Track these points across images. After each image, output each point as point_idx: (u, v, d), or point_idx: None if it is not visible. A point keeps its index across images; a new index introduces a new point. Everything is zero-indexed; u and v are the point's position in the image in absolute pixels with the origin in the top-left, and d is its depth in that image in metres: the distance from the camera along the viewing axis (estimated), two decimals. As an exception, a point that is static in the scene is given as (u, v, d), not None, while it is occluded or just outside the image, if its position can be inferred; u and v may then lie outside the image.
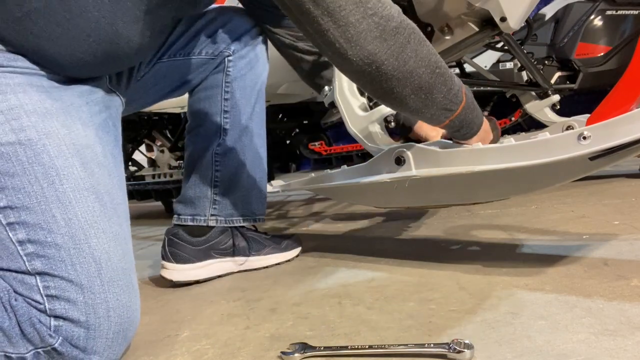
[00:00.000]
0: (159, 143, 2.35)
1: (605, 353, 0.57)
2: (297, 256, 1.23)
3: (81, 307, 0.66)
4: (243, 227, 1.18)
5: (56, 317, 0.66)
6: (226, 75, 1.10)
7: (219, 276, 1.15)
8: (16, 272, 0.67)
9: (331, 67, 1.14)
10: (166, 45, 1.04)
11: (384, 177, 0.93)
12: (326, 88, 1.13)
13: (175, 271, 1.11)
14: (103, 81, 0.85)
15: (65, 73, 0.77)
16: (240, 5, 1.16)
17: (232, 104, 1.11)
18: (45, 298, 0.66)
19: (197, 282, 1.12)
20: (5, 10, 0.70)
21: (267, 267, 1.18)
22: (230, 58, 1.10)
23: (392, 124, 0.98)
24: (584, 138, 0.72)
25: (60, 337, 0.65)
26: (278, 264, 1.19)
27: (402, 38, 0.69)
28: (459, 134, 0.85)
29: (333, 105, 1.07)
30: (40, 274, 0.66)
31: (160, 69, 1.04)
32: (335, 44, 0.67)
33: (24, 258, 0.66)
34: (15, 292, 0.67)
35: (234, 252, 1.15)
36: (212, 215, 1.13)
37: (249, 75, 1.12)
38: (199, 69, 1.09)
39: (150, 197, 2.41)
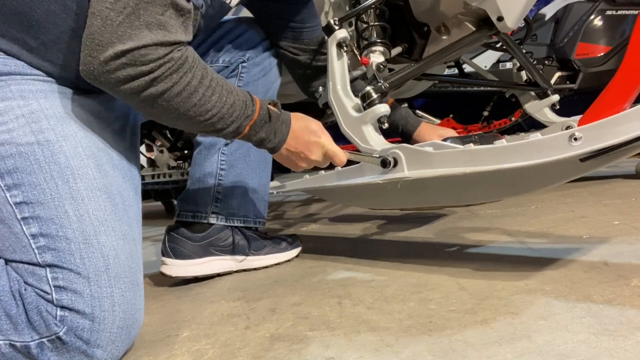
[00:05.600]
0: (158, 143, 2.34)
1: (605, 353, 0.57)
2: (296, 256, 1.23)
3: (87, 299, 0.68)
4: (243, 226, 1.18)
5: (62, 307, 0.68)
6: (239, 79, 1.12)
7: (219, 275, 1.15)
8: (28, 264, 0.69)
9: (323, 76, 1.16)
10: None
11: (376, 178, 0.93)
12: (320, 89, 1.13)
13: (174, 266, 1.11)
14: None
15: (82, 87, 0.80)
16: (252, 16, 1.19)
17: None
18: (53, 288, 0.68)
19: (196, 278, 1.13)
20: (22, 41, 0.74)
21: (266, 266, 1.18)
22: (244, 64, 1.12)
23: (386, 124, 0.98)
24: (575, 139, 0.71)
25: (66, 327, 0.67)
26: (278, 264, 1.19)
27: (153, 89, 0.71)
28: (260, 147, 0.90)
29: (327, 106, 1.07)
30: (50, 265, 0.69)
31: None
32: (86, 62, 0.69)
33: (36, 251, 0.69)
34: (26, 283, 0.69)
35: (233, 250, 1.15)
36: (212, 212, 1.13)
37: (262, 82, 1.14)
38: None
39: (150, 197, 2.41)
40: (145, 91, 0.70)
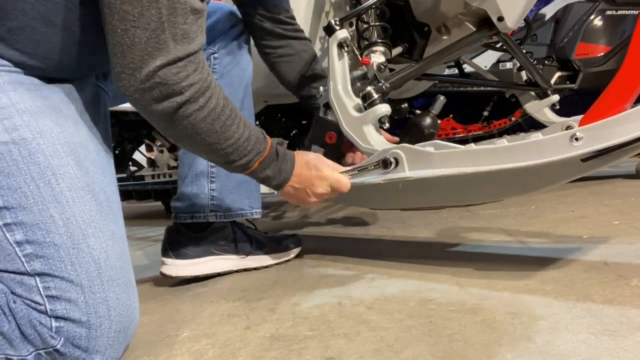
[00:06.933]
0: (158, 143, 2.34)
1: (605, 353, 0.57)
2: (296, 256, 1.23)
3: (82, 307, 0.66)
4: (243, 224, 1.19)
5: (57, 317, 0.66)
6: (213, 71, 1.10)
7: (219, 274, 1.15)
8: (14, 273, 0.66)
9: (287, 48, 1.15)
10: None
11: (377, 178, 0.93)
12: (321, 88, 1.13)
13: (175, 266, 1.11)
14: (90, 77, 0.85)
15: (50, 76, 0.77)
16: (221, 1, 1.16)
17: None
18: (45, 299, 0.66)
19: (197, 278, 1.12)
20: None
21: (266, 266, 1.18)
22: (215, 55, 1.11)
23: (387, 124, 0.98)
24: (577, 139, 0.71)
25: (62, 338, 0.66)
26: (278, 263, 1.19)
27: (181, 111, 0.72)
28: (263, 184, 0.92)
29: (328, 106, 1.07)
30: (40, 274, 0.66)
31: None
32: (120, 79, 0.69)
33: (23, 259, 0.66)
34: (13, 293, 0.66)
35: (234, 249, 1.15)
36: (211, 211, 1.13)
37: (235, 71, 1.12)
38: None
39: (150, 197, 2.40)
40: (175, 112, 0.72)
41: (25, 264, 0.66)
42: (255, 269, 1.17)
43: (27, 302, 0.66)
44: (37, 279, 0.66)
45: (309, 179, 0.92)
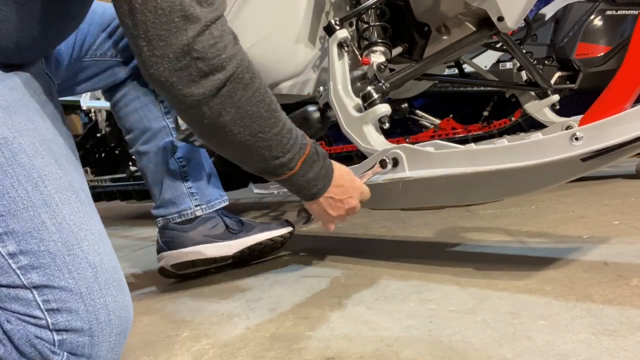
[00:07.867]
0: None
1: (605, 353, 0.57)
2: (289, 233, 1.20)
3: (83, 316, 0.63)
4: (229, 212, 1.20)
5: (59, 330, 0.62)
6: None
7: (215, 261, 1.15)
8: (7, 287, 0.62)
9: None
10: (87, 44, 1.02)
11: (377, 178, 0.94)
12: (321, 88, 1.13)
13: (171, 257, 1.13)
14: (38, 66, 0.79)
15: (5, 62, 0.70)
16: None
17: (170, 106, 1.12)
18: (46, 313, 0.62)
19: (195, 263, 1.13)
20: None
21: (262, 242, 1.16)
22: None
23: (387, 124, 0.98)
24: (577, 139, 0.72)
25: (65, 353, 0.63)
26: (271, 239, 1.17)
27: (225, 90, 0.65)
28: (298, 194, 0.83)
29: (328, 106, 1.07)
30: (38, 287, 0.62)
31: (86, 65, 1.04)
32: (143, 59, 0.62)
33: (18, 272, 0.61)
34: (4, 308, 0.62)
35: (226, 232, 1.16)
36: (196, 205, 1.15)
37: None
38: (119, 66, 1.08)
39: (150, 197, 2.41)
40: (218, 92, 0.64)
41: (21, 276, 0.61)
42: (251, 249, 1.16)
43: (24, 318, 0.62)
44: (35, 292, 0.62)
45: (347, 189, 0.84)
